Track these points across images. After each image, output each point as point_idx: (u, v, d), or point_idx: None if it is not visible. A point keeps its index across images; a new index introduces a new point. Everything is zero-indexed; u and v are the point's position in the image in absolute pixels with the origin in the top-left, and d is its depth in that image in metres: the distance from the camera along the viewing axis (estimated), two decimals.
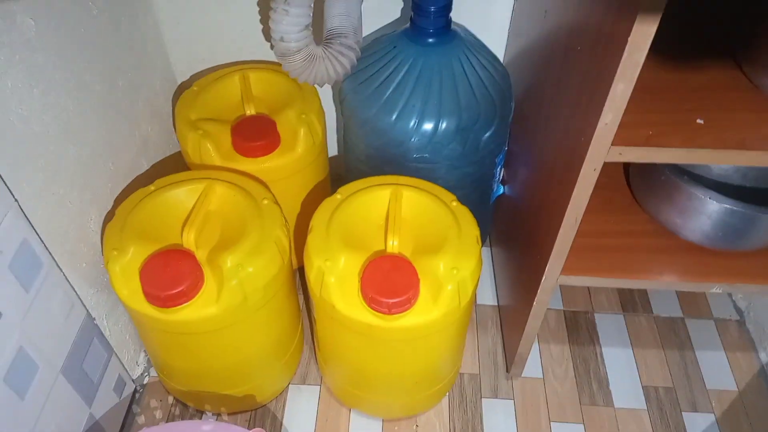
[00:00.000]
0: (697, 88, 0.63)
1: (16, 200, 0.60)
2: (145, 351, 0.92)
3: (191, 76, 1.01)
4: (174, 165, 0.98)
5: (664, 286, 0.72)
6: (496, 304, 1.02)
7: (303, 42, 0.67)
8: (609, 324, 1.02)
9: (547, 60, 0.73)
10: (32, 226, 0.63)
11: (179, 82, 1.03)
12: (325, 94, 1.04)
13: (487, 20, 0.93)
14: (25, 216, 0.62)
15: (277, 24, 0.64)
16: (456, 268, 0.67)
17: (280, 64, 0.95)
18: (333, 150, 1.13)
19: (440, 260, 0.68)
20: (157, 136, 0.94)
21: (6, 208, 0.58)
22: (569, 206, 0.61)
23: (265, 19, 0.94)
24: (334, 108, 1.07)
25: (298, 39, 0.66)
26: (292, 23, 0.63)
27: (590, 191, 0.60)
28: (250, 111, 0.88)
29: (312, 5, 0.64)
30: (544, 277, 0.70)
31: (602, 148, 0.55)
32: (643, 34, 0.46)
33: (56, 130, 0.68)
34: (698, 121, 0.59)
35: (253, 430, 0.64)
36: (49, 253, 0.66)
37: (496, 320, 1.00)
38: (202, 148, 0.83)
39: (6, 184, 0.58)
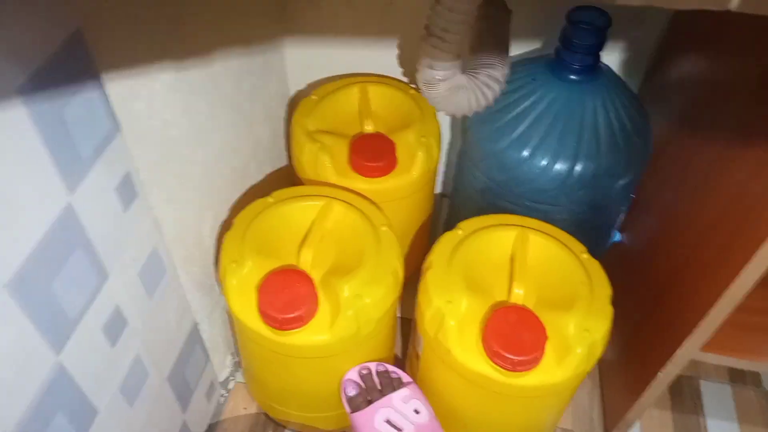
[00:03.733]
0: None
1: (152, 207, 0.59)
2: (232, 354, 0.92)
3: (307, 85, 1.00)
4: (281, 174, 0.97)
5: None
6: None
7: (451, 71, 0.64)
8: (715, 393, 0.95)
9: (713, 113, 0.67)
10: (162, 233, 0.62)
11: (291, 88, 1.01)
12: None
13: (626, 56, 0.88)
14: (157, 222, 0.61)
15: (429, 50, 0.61)
16: (588, 330, 0.62)
17: (398, 79, 0.93)
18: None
19: (570, 319, 0.63)
20: (268, 140, 0.93)
21: (144, 215, 0.57)
22: (733, 284, 0.55)
23: (386, 32, 0.92)
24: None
25: (447, 68, 0.63)
26: (445, 51, 0.60)
27: (762, 272, 0.54)
28: (368, 128, 0.85)
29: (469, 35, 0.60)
30: (680, 350, 0.65)
31: None
32: None
33: (190, 133, 0.67)
34: None
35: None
36: (171, 259, 0.65)
37: (594, 374, 0.94)
38: (319, 161, 0.81)
39: (146, 191, 0.58)
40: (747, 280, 0.55)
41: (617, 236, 0.92)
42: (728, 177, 0.61)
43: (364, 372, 0.71)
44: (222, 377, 0.89)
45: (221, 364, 0.88)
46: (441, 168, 1.09)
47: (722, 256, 0.58)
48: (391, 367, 0.72)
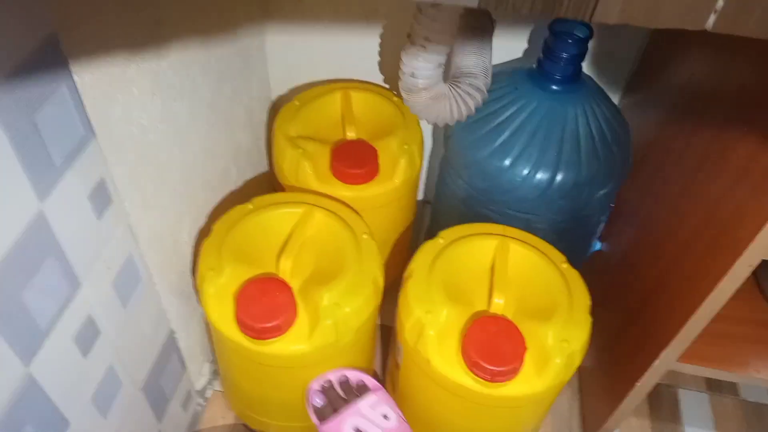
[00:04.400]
0: None
1: (127, 213, 0.58)
2: (210, 362, 0.90)
3: (289, 90, 0.99)
4: (261, 180, 0.96)
5: None
6: None
7: (433, 80, 0.63)
8: (692, 402, 0.95)
9: (692, 124, 0.67)
10: (137, 240, 0.61)
11: (274, 93, 1.01)
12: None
13: (607, 66, 0.88)
14: (132, 229, 0.60)
15: (411, 58, 0.61)
16: (566, 341, 0.62)
17: (382, 86, 0.93)
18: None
19: (549, 329, 0.63)
20: (248, 146, 0.92)
21: (119, 222, 0.56)
22: (709, 298, 0.56)
23: (369, 38, 0.91)
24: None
25: (428, 76, 0.63)
26: (427, 59, 0.60)
27: (737, 286, 0.54)
28: (350, 134, 0.85)
29: (451, 44, 0.60)
30: (657, 361, 0.65)
31: (766, 245, 0.50)
32: None
33: (168, 138, 0.66)
34: None
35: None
36: (147, 266, 0.64)
37: (573, 382, 0.94)
38: (300, 167, 0.80)
39: (121, 197, 0.56)
40: (725, 292, 0.55)
41: (597, 245, 0.92)
42: (706, 188, 0.61)
43: (326, 385, 0.69)
44: (199, 386, 0.87)
45: (198, 373, 0.87)
46: (423, 175, 1.09)
47: (701, 267, 0.59)
48: (353, 375, 0.70)
